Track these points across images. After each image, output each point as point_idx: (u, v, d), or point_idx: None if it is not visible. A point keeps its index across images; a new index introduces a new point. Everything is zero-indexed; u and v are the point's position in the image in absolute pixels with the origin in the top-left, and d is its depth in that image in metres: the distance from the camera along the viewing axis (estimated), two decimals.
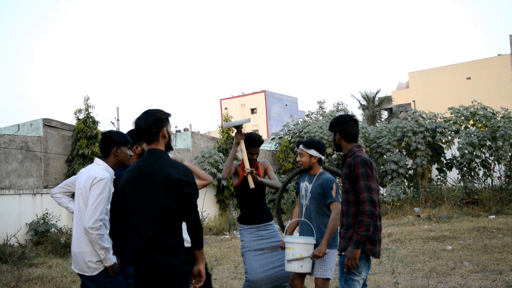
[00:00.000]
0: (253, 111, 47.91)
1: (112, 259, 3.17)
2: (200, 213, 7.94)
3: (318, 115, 40.30)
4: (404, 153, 14.68)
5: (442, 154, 14.48)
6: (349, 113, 9.82)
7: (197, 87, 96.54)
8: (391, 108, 39.14)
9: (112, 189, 3.28)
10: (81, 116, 11.22)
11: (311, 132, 15.06)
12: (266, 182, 4.48)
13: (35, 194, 10.19)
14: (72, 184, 3.66)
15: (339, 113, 29.10)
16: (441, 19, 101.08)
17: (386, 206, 12.94)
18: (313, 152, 3.93)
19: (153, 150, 2.85)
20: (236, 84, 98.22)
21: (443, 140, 14.21)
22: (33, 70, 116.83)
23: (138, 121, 2.85)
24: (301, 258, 3.71)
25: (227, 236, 11.27)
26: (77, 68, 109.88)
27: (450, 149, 14.22)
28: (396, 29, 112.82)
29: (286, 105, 49.40)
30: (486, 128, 13.67)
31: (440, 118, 14.88)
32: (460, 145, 13.54)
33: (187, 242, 2.97)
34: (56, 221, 10.02)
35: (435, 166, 14.69)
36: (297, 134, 15.90)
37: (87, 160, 10.73)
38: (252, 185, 4.31)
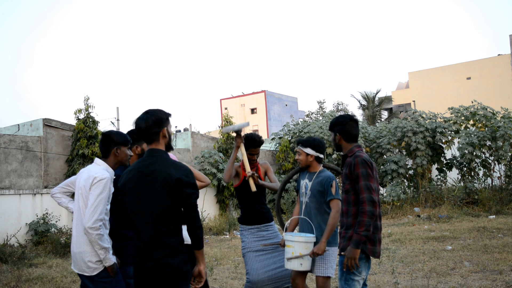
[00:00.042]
0: (253, 111, 47.90)
1: (111, 259, 3.17)
2: (200, 213, 7.94)
3: (318, 115, 40.31)
4: (404, 153, 14.67)
5: (442, 154, 14.48)
6: (349, 113, 9.82)
7: (197, 87, 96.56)
8: (391, 108, 39.15)
9: (112, 189, 3.28)
10: (81, 116, 11.22)
11: (311, 132, 15.06)
12: (267, 185, 4.50)
13: (35, 194, 10.19)
14: (72, 184, 3.66)
15: (339, 113, 29.10)
16: (441, 19, 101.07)
17: (386, 206, 12.94)
18: (309, 150, 3.94)
19: (154, 150, 2.85)
20: (236, 84, 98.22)
21: (443, 140, 14.21)
22: (33, 70, 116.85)
23: (138, 121, 2.85)
24: (301, 256, 3.70)
25: (227, 236, 11.27)
26: (77, 68, 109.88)
27: (450, 149, 14.22)
28: (396, 29, 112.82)
29: (286, 105, 49.40)
30: (486, 128, 13.67)
31: (440, 118, 14.87)
32: (460, 145, 13.54)
33: (187, 240, 2.97)
34: (56, 221, 10.02)
35: (435, 166, 14.69)
36: (297, 134, 15.89)
37: (87, 160, 10.73)
38: (253, 188, 4.33)
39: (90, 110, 11.27)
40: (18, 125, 11.63)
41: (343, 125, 3.48)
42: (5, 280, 6.52)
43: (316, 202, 3.87)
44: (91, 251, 3.15)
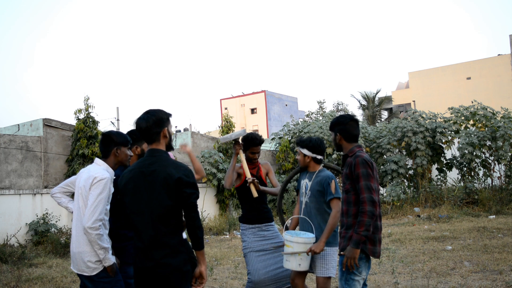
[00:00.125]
0: (253, 111, 47.91)
1: (111, 259, 3.17)
2: (200, 213, 7.94)
3: (318, 115, 40.31)
4: (404, 153, 14.67)
5: (442, 154, 14.47)
6: (350, 113, 9.82)
7: (197, 87, 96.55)
8: (391, 108, 39.15)
9: (112, 190, 3.28)
10: (81, 116, 11.22)
11: (311, 132, 15.05)
12: (268, 190, 4.52)
13: (35, 194, 10.19)
14: (72, 184, 3.66)
15: (339, 113, 29.10)
16: (441, 19, 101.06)
17: (386, 206, 12.93)
18: (305, 151, 3.94)
19: (154, 150, 2.85)
20: (236, 84, 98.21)
21: (443, 140, 14.20)
22: (33, 70, 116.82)
23: (139, 121, 2.85)
24: (297, 253, 3.69)
25: (227, 236, 11.27)
26: (77, 68, 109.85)
27: (450, 149, 14.21)
28: (396, 29, 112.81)
29: (286, 105, 49.40)
30: (486, 128, 13.66)
31: (440, 118, 14.87)
32: (460, 145, 13.54)
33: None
34: (56, 221, 10.02)
35: (435, 166, 14.68)
36: (297, 134, 15.89)
37: (87, 160, 10.73)
38: (255, 194, 4.37)
39: (90, 110, 11.27)
40: (18, 125, 11.63)
41: (343, 125, 3.48)
42: (5, 280, 6.52)
43: (316, 202, 3.87)
44: (91, 251, 3.15)
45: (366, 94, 36.02)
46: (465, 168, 13.89)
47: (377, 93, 36.03)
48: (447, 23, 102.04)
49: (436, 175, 14.37)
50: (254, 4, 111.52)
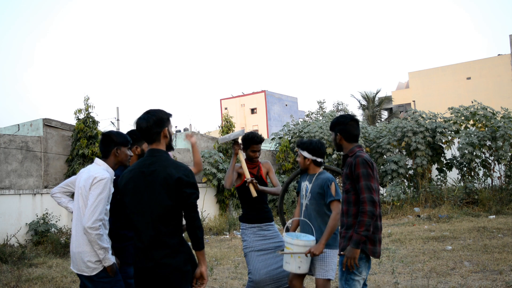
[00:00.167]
0: (253, 111, 47.90)
1: (111, 259, 3.17)
2: (200, 213, 7.94)
3: (318, 115, 40.32)
4: (404, 153, 14.67)
5: (442, 154, 14.47)
6: (350, 113, 9.82)
7: (197, 87, 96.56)
8: (391, 108, 39.16)
9: (112, 190, 3.28)
10: (81, 116, 11.22)
11: (311, 132, 15.05)
12: (267, 190, 4.52)
13: (35, 194, 10.19)
14: (72, 184, 3.66)
15: (339, 113, 29.11)
16: (441, 19, 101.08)
17: (386, 206, 12.93)
18: (305, 153, 3.93)
19: (154, 150, 2.85)
20: (236, 84, 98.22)
21: (443, 140, 14.21)
22: (33, 70, 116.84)
23: (139, 121, 2.85)
24: (294, 253, 3.69)
25: (227, 236, 11.27)
26: (77, 68, 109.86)
27: (450, 149, 14.22)
28: (396, 29, 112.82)
29: (286, 105, 49.40)
30: (486, 128, 13.66)
31: (440, 118, 14.87)
32: (460, 145, 13.54)
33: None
34: (56, 221, 10.02)
35: (435, 166, 14.69)
36: (297, 134, 15.89)
37: (87, 160, 10.73)
38: (254, 194, 4.38)
39: (90, 110, 11.27)
40: (18, 125, 11.63)
41: (344, 125, 3.48)
42: (5, 280, 6.52)
43: (316, 204, 3.87)
44: (91, 251, 3.15)
45: (366, 94, 36.03)
46: (465, 168, 13.89)
47: (377, 93, 36.06)
48: (447, 23, 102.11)
49: (436, 175, 14.37)
50: (254, 4, 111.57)
